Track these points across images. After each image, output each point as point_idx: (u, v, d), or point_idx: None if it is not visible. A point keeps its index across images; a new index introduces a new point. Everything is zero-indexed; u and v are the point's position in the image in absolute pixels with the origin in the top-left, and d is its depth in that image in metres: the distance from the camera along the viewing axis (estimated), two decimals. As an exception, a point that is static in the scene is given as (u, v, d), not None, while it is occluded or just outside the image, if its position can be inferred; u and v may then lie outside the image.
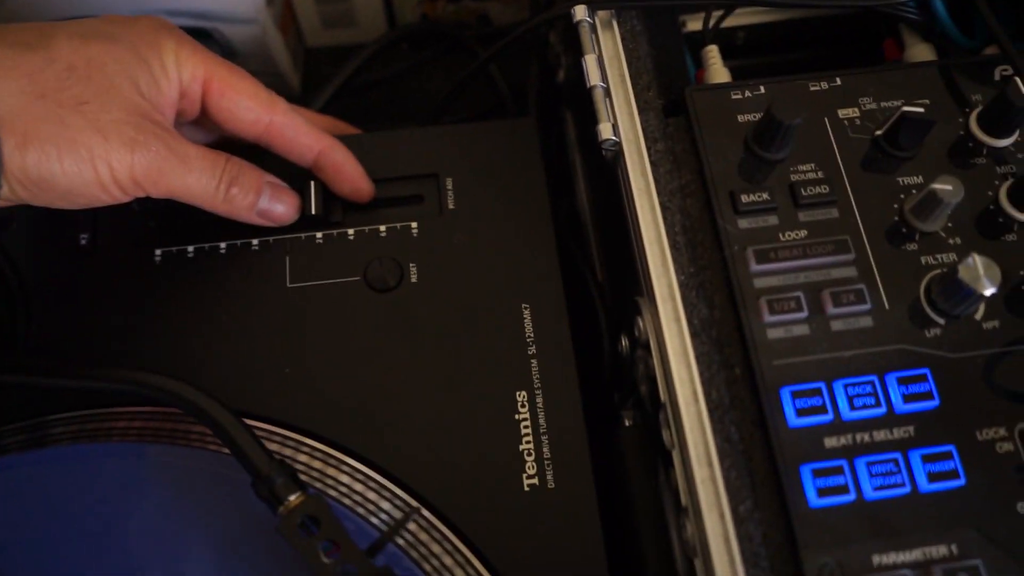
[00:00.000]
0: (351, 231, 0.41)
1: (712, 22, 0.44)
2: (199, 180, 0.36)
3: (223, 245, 0.41)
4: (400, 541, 0.34)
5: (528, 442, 0.37)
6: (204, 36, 0.49)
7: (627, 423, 0.40)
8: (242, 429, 0.33)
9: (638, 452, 0.39)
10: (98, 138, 0.32)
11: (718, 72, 0.40)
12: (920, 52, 0.41)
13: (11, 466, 0.37)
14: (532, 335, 0.39)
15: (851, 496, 0.29)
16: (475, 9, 0.56)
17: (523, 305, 0.39)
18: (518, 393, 0.38)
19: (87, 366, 0.34)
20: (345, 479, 0.36)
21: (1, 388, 0.38)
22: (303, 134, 0.39)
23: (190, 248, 0.41)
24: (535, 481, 0.36)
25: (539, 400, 0.37)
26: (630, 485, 0.38)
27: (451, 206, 0.42)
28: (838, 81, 0.37)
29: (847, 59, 0.45)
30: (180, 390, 0.33)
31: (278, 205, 0.39)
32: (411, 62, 0.56)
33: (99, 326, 0.39)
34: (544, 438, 0.37)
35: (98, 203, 0.34)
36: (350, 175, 0.40)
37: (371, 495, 0.36)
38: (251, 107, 0.38)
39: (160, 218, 0.41)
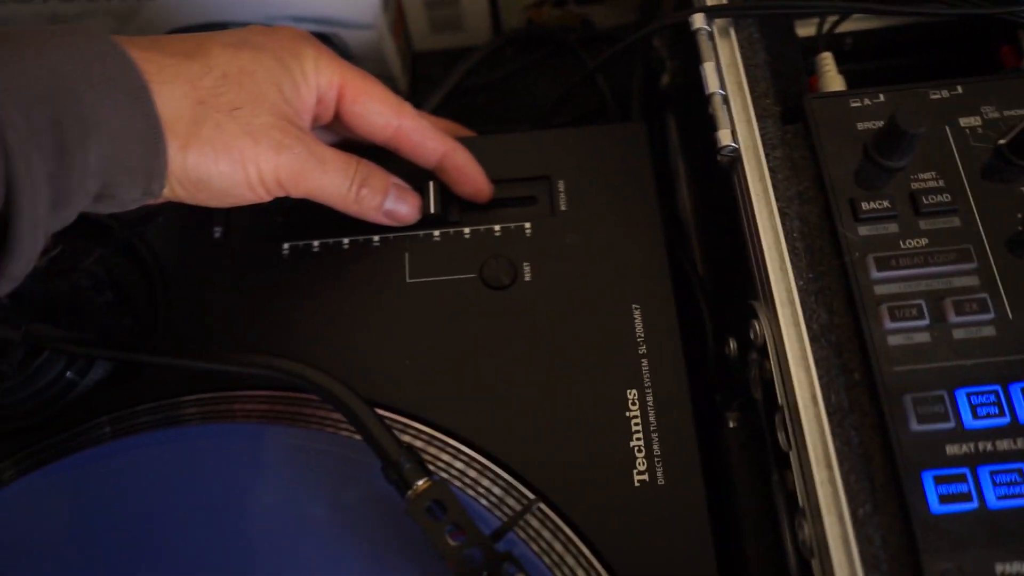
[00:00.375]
0: (467, 230, 0.43)
1: (826, 28, 0.44)
2: (333, 181, 0.38)
3: (346, 241, 0.43)
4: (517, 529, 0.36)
5: (638, 439, 0.38)
6: (324, 40, 0.51)
7: (731, 424, 0.41)
8: (375, 417, 0.35)
9: (743, 453, 0.40)
10: (249, 141, 0.35)
11: (833, 79, 0.41)
12: (1042, 59, 0.41)
13: (147, 444, 0.40)
14: (642, 335, 0.40)
15: (974, 504, 0.29)
16: (579, 13, 0.57)
17: (634, 305, 0.40)
18: (629, 391, 0.39)
19: (232, 351, 0.37)
20: (459, 465, 0.38)
21: (150, 369, 0.41)
22: (429, 138, 0.41)
23: (315, 243, 0.43)
24: (645, 477, 0.37)
25: (649, 398, 0.38)
26: (735, 485, 0.39)
27: (563, 207, 0.43)
28: (959, 89, 0.37)
29: (958, 65, 0.45)
30: (320, 379, 0.35)
31: (402, 206, 0.41)
32: (516, 66, 0.57)
33: (229, 313, 0.42)
34: (654, 435, 0.38)
35: (244, 202, 0.37)
36: (471, 177, 0.42)
37: (484, 482, 0.37)
38: (382, 112, 0.40)
39: (288, 214, 0.44)
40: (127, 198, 0.33)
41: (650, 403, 0.38)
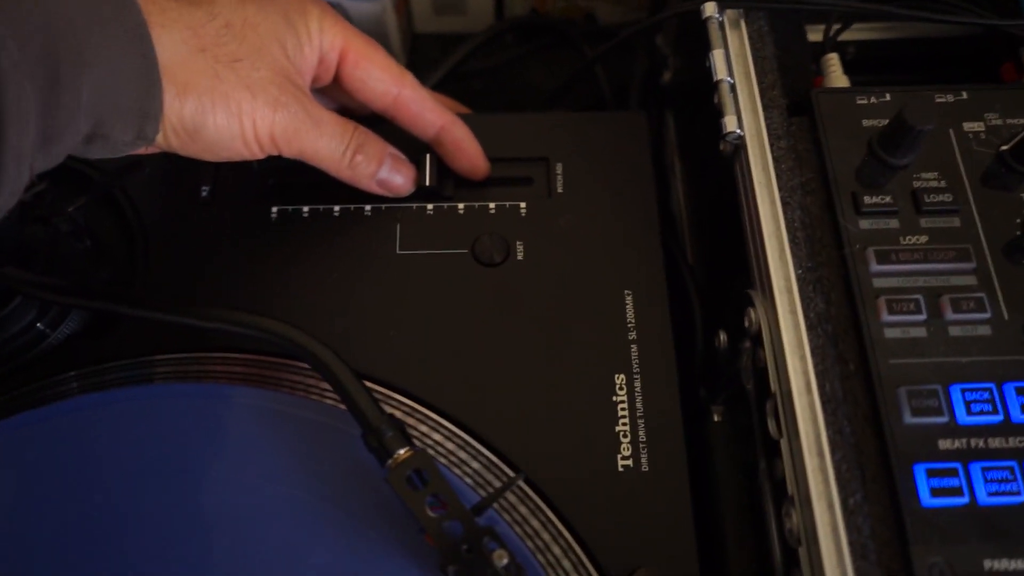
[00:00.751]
0: (461, 206, 0.42)
1: (832, 32, 0.44)
2: (328, 144, 0.37)
3: (337, 208, 0.42)
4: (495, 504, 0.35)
5: (624, 424, 0.37)
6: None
7: (716, 418, 0.40)
8: (358, 382, 0.34)
9: (726, 446, 0.39)
10: (247, 95, 0.34)
11: (838, 79, 0.41)
12: (1044, 74, 0.41)
13: (115, 401, 0.38)
14: (633, 321, 0.39)
15: (964, 499, 0.29)
16: (584, 7, 0.57)
17: (625, 291, 0.40)
18: (616, 376, 0.38)
19: (214, 308, 0.36)
20: (438, 438, 0.37)
21: (124, 325, 0.39)
22: (428, 109, 0.40)
23: (305, 208, 0.42)
24: (629, 463, 0.36)
25: (637, 384, 0.38)
26: (717, 476, 0.39)
27: (560, 190, 0.42)
28: (964, 95, 0.37)
29: (958, 81, 0.45)
30: (304, 340, 0.34)
31: (397, 176, 0.40)
32: (515, 54, 0.57)
33: (212, 275, 0.41)
34: (640, 421, 0.37)
35: (237, 157, 0.36)
36: (468, 152, 0.41)
37: (463, 455, 0.37)
38: (382, 79, 0.39)
39: (278, 176, 0.43)
40: (119, 140, 0.32)
41: (638, 389, 0.38)
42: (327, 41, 0.38)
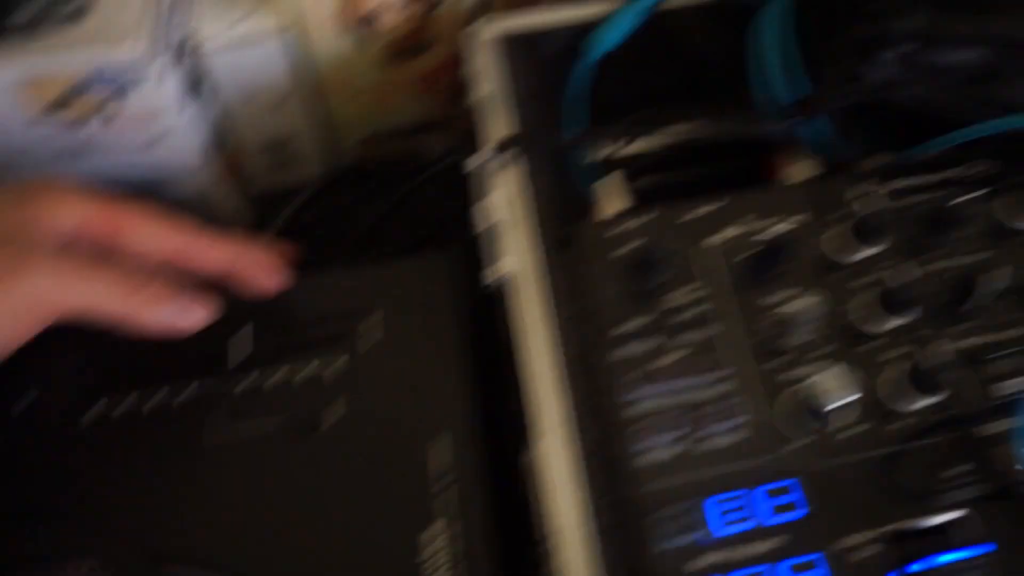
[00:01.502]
0: (268, 382, 0.43)
1: (614, 152, 0.47)
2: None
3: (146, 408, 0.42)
4: None
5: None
6: (153, 189, 0.52)
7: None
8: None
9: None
10: None
11: (616, 200, 0.43)
12: (800, 170, 0.44)
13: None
14: (449, 465, 0.40)
15: (725, 612, 0.30)
16: (411, 147, 0.60)
17: (438, 435, 0.41)
18: (434, 523, 0.39)
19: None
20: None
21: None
22: (209, 249, 0.41)
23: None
24: None
25: (457, 529, 0.38)
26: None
27: (367, 347, 0.43)
28: (725, 201, 0.40)
29: (748, 172, 0.48)
30: None
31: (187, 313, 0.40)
32: (348, 199, 0.60)
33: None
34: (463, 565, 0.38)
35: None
36: (262, 273, 0.43)
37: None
38: (152, 237, 0.40)
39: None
40: None
41: (457, 534, 0.38)
42: (68, 225, 0.37)
